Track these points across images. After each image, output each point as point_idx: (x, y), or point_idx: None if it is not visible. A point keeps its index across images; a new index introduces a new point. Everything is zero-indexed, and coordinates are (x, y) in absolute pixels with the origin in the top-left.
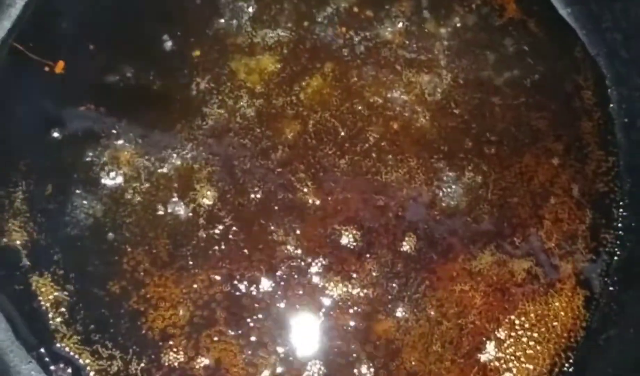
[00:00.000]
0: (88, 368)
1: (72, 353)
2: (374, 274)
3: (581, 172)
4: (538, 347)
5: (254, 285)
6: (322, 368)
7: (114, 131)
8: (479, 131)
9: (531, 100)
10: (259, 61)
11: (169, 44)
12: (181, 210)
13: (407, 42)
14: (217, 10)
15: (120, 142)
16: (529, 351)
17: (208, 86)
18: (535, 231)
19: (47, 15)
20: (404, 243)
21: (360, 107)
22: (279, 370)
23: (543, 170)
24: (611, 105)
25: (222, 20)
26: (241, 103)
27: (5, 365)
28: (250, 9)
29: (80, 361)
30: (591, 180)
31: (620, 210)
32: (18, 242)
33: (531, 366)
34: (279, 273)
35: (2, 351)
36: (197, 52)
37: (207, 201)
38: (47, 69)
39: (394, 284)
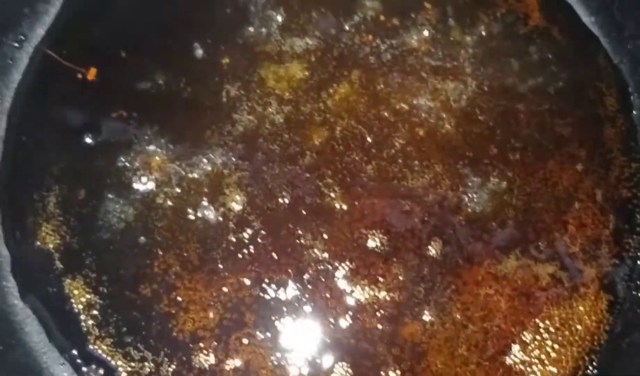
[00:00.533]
0: (120, 369)
1: (104, 355)
2: (400, 278)
3: (605, 178)
4: (562, 350)
5: (282, 288)
6: (349, 370)
7: (146, 137)
8: (503, 138)
9: (555, 107)
10: (288, 69)
11: (199, 52)
12: (211, 214)
13: (432, 50)
14: (247, 19)
15: (151, 148)
16: (553, 355)
17: (238, 93)
18: (559, 236)
19: (79, 23)
20: (430, 248)
21: (386, 114)
22: (306, 372)
23: (567, 176)
24: (634, 112)
25: (252, 29)
26: (270, 110)
27: (38, 366)
28: (279, 18)
29: (112, 363)
30: (614, 186)
31: None
32: (51, 245)
33: (555, 369)
34: (306, 276)
35: (35, 353)
36: (226, 60)
37: (236, 206)
38: (79, 76)
39: (420, 288)
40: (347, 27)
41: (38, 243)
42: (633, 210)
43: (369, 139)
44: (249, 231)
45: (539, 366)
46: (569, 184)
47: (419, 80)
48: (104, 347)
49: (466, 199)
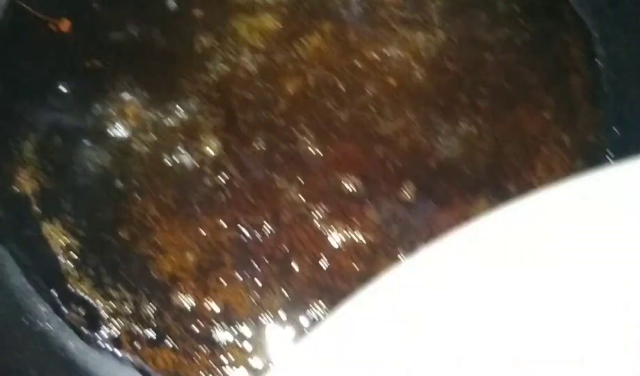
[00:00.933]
0: (101, 309)
1: (84, 296)
2: (375, 220)
3: (572, 124)
4: None
5: (259, 231)
6: (326, 308)
7: (121, 86)
8: (472, 86)
9: (522, 57)
10: (260, 20)
11: (172, 4)
12: (187, 160)
13: (402, 2)
14: None
15: (126, 96)
16: None
17: (211, 44)
18: (528, 178)
19: None
20: (404, 191)
21: (358, 63)
22: (284, 311)
23: (535, 123)
24: (598, 62)
25: None
26: (244, 59)
27: (18, 307)
28: None
29: (93, 303)
30: (581, 132)
31: (610, 159)
32: (29, 190)
33: None
34: (282, 219)
35: (14, 293)
36: (199, 12)
37: (212, 151)
38: (52, 27)
39: (394, 230)
40: None
41: (15, 188)
42: (600, 154)
43: (341, 88)
44: (225, 175)
45: None
46: (537, 131)
47: (389, 31)
48: (84, 288)
49: (438, 145)
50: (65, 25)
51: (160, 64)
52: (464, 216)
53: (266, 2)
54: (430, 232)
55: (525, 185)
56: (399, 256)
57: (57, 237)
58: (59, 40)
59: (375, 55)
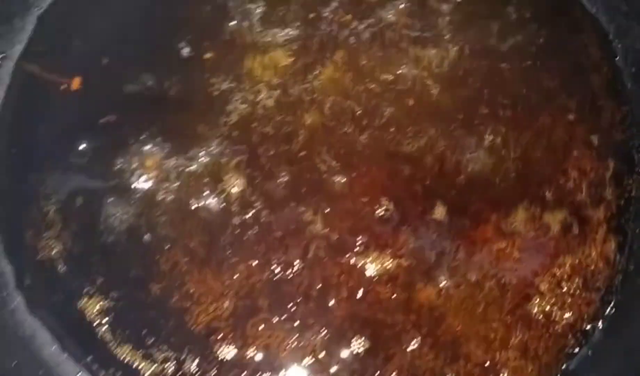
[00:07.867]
0: (142, 371)
1: (122, 359)
2: (409, 245)
3: (597, 124)
4: (578, 295)
5: (291, 269)
6: (368, 342)
7: (141, 138)
8: (491, 97)
9: (539, 62)
10: (272, 57)
11: (185, 51)
12: (213, 202)
13: (410, 22)
14: (228, 14)
15: (147, 147)
16: (569, 301)
17: (227, 85)
18: (562, 182)
19: (58, 34)
20: (435, 212)
21: (372, 86)
22: (325, 349)
23: (560, 126)
24: (617, 58)
25: (233, 23)
26: (260, 96)
27: None
28: (259, 10)
29: (133, 365)
30: (608, 130)
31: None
32: (55, 255)
33: (574, 315)
34: (313, 253)
35: (51, 366)
36: (212, 55)
37: (236, 189)
38: (64, 87)
39: (430, 253)
40: (325, 14)
41: (42, 254)
42: (629, 151)
43: (358, 111)
44: (252, 212)
45: (558, 313)
46: (563, 134)
47: (400, 52)
48: (121, 351)
49: (464, 159)
50: (76, 82)
51: (179, 111)
52: (501, 230)
53: (277, 40)
54: (468, 251)
55: (560, 190)
56: (438, 280)
57: (89, 300)
58: (73, 100)
59: (390, 77)
